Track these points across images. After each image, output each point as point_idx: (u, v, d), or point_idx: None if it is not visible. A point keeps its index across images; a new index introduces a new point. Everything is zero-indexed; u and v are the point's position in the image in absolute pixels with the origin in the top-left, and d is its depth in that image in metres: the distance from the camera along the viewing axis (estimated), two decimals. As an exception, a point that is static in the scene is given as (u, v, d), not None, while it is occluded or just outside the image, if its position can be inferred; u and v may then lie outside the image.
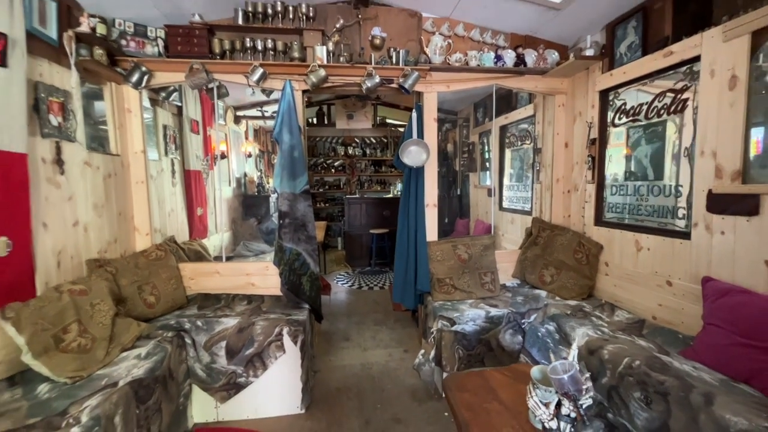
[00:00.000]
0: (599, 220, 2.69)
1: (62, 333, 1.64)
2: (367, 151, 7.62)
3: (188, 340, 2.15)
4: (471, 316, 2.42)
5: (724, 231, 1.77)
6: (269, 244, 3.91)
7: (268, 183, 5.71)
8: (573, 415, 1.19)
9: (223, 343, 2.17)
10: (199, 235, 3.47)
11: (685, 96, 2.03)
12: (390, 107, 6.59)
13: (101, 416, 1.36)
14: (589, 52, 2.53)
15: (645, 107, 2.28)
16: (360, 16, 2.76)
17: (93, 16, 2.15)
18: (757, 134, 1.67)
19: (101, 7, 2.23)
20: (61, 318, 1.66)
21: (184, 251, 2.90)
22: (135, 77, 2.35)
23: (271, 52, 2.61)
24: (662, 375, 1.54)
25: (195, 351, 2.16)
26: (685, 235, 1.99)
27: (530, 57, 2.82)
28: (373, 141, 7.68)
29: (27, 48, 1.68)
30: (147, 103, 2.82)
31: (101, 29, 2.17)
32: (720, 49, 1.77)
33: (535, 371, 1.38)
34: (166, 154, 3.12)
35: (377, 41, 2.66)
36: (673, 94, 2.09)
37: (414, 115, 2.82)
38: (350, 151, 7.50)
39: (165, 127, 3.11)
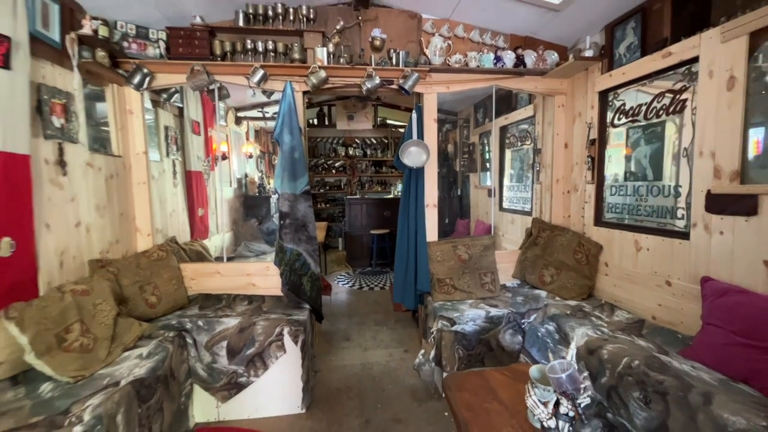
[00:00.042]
0: (599, 221, 2.69)
1: (65, 333, 1.65)
2: (368, 152, 7.63)
3: (189, 340, 2.16)
4: (471, 316, 2.43)
5: (722, 231, 1.78)
6: (270, 245, 3.93)
7: (268, 184, 5.73)
8: (571, 414, 1.20)
9: (224, 343, 2.18)
10: (200, 235, 3.49)
11: (684, 96, 2.03)
12: (390, 108, 6.61)
13: (103, 415, 1.37)
14: (589, 53, 2.54)
15: (644, 108, 2.29)
16: (360, 18, 2.78)
17: (95, 18, 2.17)
18: (757, 134, 1.67)
19: (103, 9, 2.25)
20: (63, 318, 1.68)
21: (186, 252, 2.91)
22: (137, 79, 2.37)
23: (272, 54, 2.63)
24: (661, 375, 1.54)
25: (196, 351, 2.17)
26: (685, 235, 2.00)
27: (530, 58, 2.83)
28: (374, 142, 7.70)
29: (30, 50, 1.70)
30: (148, 105, 2.84)
31: (103, 31, 2.19)
32: (718, 50, 1.77)
33: (533, 370, 1.39)
34: (168, 155, 3.13)
35: (377, 42, 2.67)
36: (672, 95, 2.10)
37: (414, 116, 2.83)
38: (351, 152, 7.52)
39: (166, 128, 3.12)
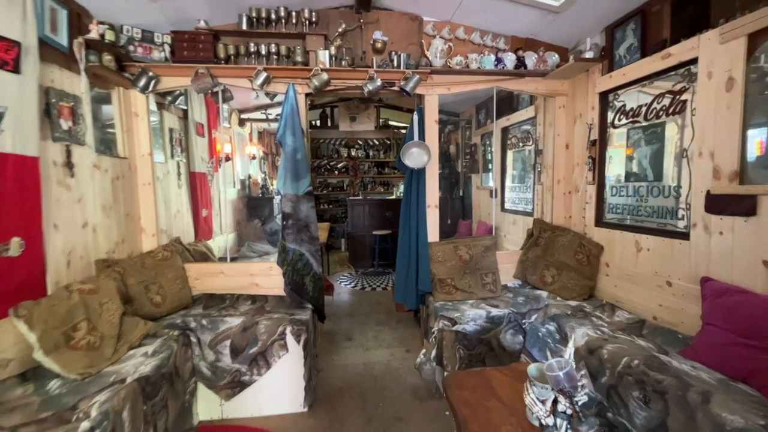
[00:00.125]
0: (600, 221, 2.70)
1: (72, 331, 1.69)
2: (370, 153, 7.67)
3: (194, 339, 2.19)
4: (472, 316, 2.44)
5: (722, 231, 1.78)
6: (273, 245, 3.96)
7: (271, 185, 5.77)
8: (569, 411, 1.21)
9: (228, 342, 2.21)
10: (204, 236, 3.53)
11: (683, 97, 2.04)
12: (393, 109, 6.64)
13: (110, 411, 1.40)
14: (589, 55, 2.55)
15: (644, 108, 2.29)
16: (362, 21, 2.81)
17: (102, 23, 2.21)
18: (760, 135, 1.67)
19: (110, 14, 2.30)
20: (71, 316, 1.71)
21: (190, 252, 2.95)
22: (142, 82, 2.41)
23: (275, 57, 2.66)
24: (660, 374, 1.55)
25: (200, 349, 2.20)
26: (685, 235, 2.00)
27: (530, 59, 2.85)
28: (376, 143, 7.73)
29: (39, 55, 1.74)
30: (154, 107, 2.88)
31: (110, 36, 2.23)
32: (717, 51, 1.78)
33: (532, 369, 1.40)
34: (172, 156, 3.17)
35: (379, 45, 2.69)
36: (671, 96, 2.11)
37: (415, 117, 2.85)
38: (353, 153, 7.56)
39: (171, 130, 3.17)
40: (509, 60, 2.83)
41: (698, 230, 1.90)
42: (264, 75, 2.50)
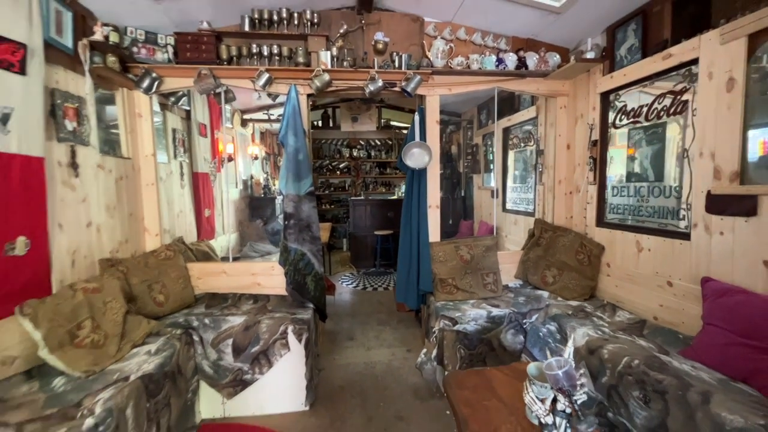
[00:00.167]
0: (601, 221, 2.70)
1: (76, 329, 1.71)
2: (372, 153, 7.68)
3: (196, 338, 2.21)
4: (473, 316, 2.45)
5: (723, 231, 1.78)
6: (275, 245, 3.98)
7: (273, 185, 5.79)
8: (568, 410, 1.22)
9: (230, 341, 2.23)
10: (206, 236, 3.55)
11: (684, 98, 2.04)
12: (394, 110, 6.65)
13: (114, 408, 1.42)
14: (590, 55, 2.55)
15: (645, 109, 2.30)
16: (363, 22, 2.82)
17: (106, 24, 2.23)
18: (764, 135, 1.66)
19: (114, 15, 2.32)
20: (75, 315, 1.73)
21: (192, 251, 2.97)
22: (146, 83, 2.43)
23: (277, 58, 2.68)
24: (660, 374, 1.55)
25: (203, 348, 2.22)
26: (685, 235, 2.00)
27: (532, 60, 2.85)
28: (378, 143, 7.74)
29: (44, 56, 1.76)
30: (157, 108, 2.90)
31: (114, 37, 2.26)
32: (718, 52, 1.79)
33: (531, 368, 1.41)
34: (175, 156, 3.20)
35: (380, 46, 2.71)
36: (672, 96, 2.11)
37: (416, 117, 2.86)
38: (355, 153, 7.57)
39: (174, 130, 3.19)
40: (510, 60, 2.84)
41: (699, 230, 1.90)
42: (266, 76, 2.52)
